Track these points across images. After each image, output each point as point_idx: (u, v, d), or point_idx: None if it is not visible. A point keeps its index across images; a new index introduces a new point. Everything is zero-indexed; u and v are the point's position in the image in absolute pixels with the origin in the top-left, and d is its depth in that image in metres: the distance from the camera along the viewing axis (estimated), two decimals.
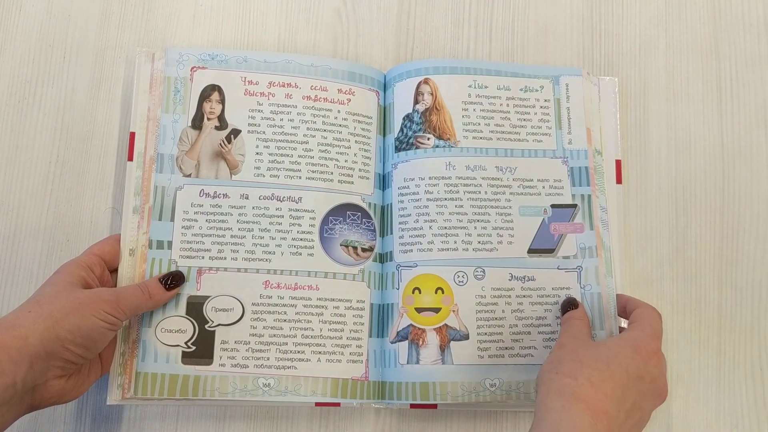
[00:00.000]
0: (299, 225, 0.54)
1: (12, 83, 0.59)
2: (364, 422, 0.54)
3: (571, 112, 0.57)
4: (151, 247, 0.53)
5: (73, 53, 0.60)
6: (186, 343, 0.52)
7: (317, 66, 0.57)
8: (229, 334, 0.52)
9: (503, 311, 0.54)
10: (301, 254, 0.54)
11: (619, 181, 0.57)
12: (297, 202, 0.54)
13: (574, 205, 0.55)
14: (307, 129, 0.55)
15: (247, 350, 0.52)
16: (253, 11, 0.62)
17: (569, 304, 0.52)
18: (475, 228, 0.54)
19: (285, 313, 0.53)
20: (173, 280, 0.51)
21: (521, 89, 0.58)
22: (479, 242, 0.54)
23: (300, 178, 0.55)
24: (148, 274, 0.52)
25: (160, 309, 0.52)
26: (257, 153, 0.55)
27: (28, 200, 0.57)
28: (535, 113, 0.57)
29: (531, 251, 0.54)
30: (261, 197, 0.54)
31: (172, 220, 0.53)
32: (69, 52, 0.60)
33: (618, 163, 0.57)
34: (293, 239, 0.54)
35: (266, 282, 0.53)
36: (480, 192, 0.55)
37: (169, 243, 0.53)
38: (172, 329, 0.52)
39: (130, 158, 0.54)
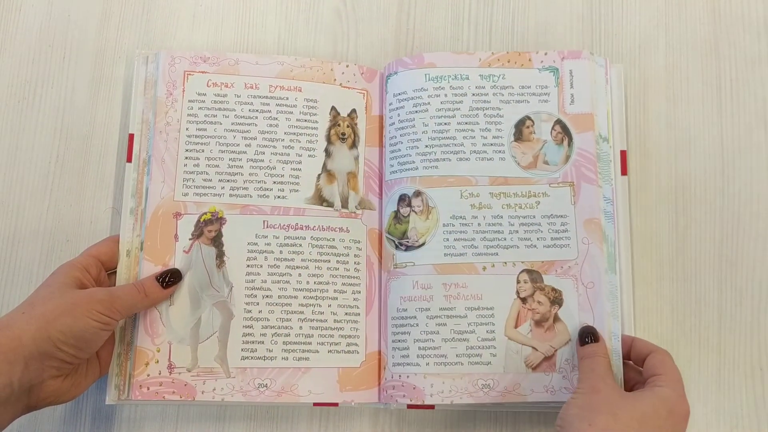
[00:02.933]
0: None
1: (12, 83, 0.59)
2: (364, 422, 0.54)
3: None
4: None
5: (72, 53, 0.60)
6: None
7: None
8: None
9: None
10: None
11: (624, 172, 0.55)
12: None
13: None
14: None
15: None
16: (253, 11, 0.62)
17: (588, 335, 0.50)
18: None
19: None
20: (171, 278, 0.51)
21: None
22: None
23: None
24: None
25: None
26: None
27: (28, 200, 0.57)
28: None
29: None
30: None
31: None
32: (69, 53, 0.60)
33: (623, 153, 0.56)
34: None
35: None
36: None
37: None
38: None
39: (129, 159, 0.54)
